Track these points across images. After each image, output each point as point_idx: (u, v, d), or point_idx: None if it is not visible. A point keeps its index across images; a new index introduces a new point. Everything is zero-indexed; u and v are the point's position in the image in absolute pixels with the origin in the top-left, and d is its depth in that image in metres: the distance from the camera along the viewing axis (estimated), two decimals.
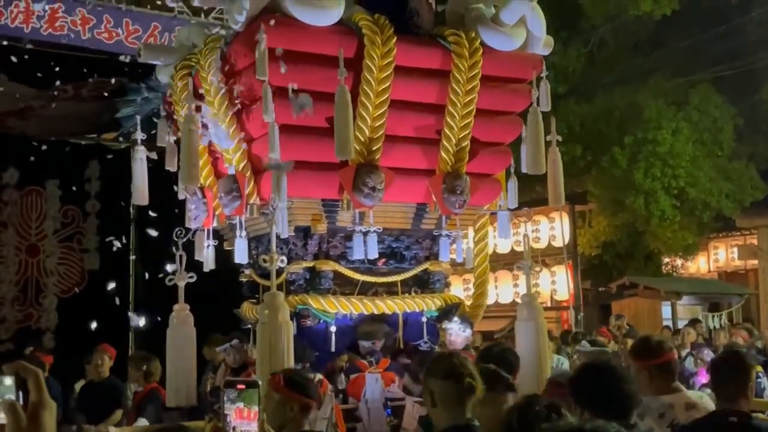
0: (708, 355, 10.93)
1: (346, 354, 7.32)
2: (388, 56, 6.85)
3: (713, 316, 18.53)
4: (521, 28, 7.43)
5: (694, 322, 15.08)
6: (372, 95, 6.85)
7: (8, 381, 1.44)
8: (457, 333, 7.50)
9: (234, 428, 2.83)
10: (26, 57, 10.15)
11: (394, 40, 6.86)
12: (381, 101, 6.90)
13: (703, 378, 9.70)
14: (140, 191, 7.58)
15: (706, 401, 4.29)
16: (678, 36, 19.65)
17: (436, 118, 7.29)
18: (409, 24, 7.14)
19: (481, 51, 7.20)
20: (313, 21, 6.70)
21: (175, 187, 7.88)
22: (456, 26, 7.30)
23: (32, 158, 11.22)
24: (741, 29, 19.28)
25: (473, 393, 3.23)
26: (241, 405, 2.84)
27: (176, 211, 8.09)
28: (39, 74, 10.81)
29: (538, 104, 7.18)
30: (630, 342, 9.63)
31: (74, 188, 13.13)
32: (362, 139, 6.89)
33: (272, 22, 6.47)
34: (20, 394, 1.43)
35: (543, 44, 7.67)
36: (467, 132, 7.34)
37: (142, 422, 7.33)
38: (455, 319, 7.59)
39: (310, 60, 6.78)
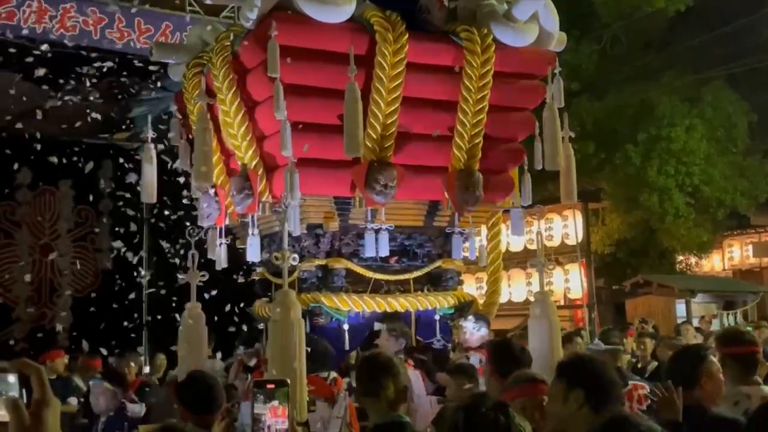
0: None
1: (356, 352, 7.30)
2: (400, 53, 6.82)
3: (728, 314, 18.41)
4: (534, 24, 7.39)
5: (704, 321, 15.03)
6: (384, 92, 6.82)
7: (11, 378, 1.42)
8: (471, 331, 7.46)
9: (269, 427, 2.83)
10: (38, 57, 10.14)
11: (406, 36, 6.84)
12: (393, 98, 6.88)
13: None
14: (149, 189, 7.56)
15: None
16: (690, 33, 19.53)
17: (449, 115, 7.26)
18: (420, 20, 7.11)
19: (494, 47, 7.16)
20: (325, 18, 6.69)
21: (187, 187, 7.88)
22: (468, 22, 7.27)
23: (45, 158, 11.24)
24: (753, 26, 19.15)
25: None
26: (276, 403, 2.85)
27: (188, 209, 8.09)
28: (51, 74, 10.82)
29: (552, 100, 7.13)
30: (648, 341, 9.54)
31: (87, 188, 13.17)
32: (374, 137, 6.86)
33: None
34: (23, 391, 1.42)
35: (556, 40, 7.63)
36: (480, 129, 7.30)
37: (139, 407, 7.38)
38: (470, 317, 7.55)
39: (321, 57, 6.76)
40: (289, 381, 2.94)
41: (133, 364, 8.18)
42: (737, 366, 4.32)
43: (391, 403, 3.33)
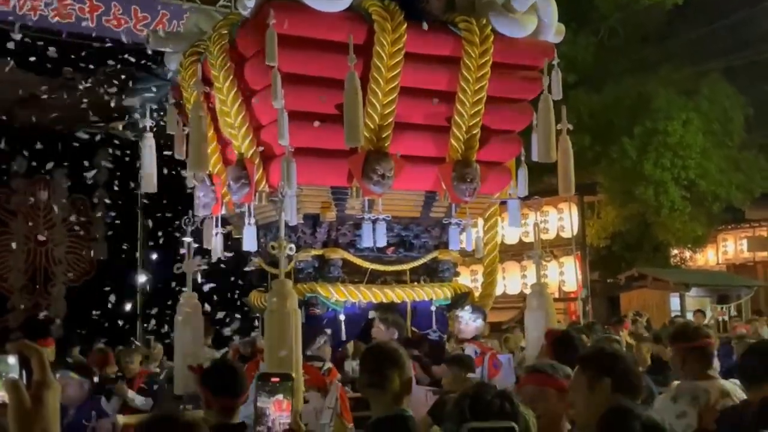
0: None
1: (353, 342, 7.29)
2: (398, 43, 6.80)
3: (721, 308, 18.46)
4: (532, 15, 7.37)
5: (698, 314, 15.06)
6: (382, 82, 6.80)
7: (11, 360, 1.41)
8: (467, 322, 7.45)
9: (273, 421, 2.82)
10: (34, 45, 10.09)
11: (405, 26, 6.81)
12: (391, 88, 6.86)
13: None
14: (149, 179, 7.55)
15: (738, 391, 4.27)
16: (688, 26, 19.51)
17: (447, 105, 7.24)
18: (419, 10, 7.08)
19: (492, 38, 7.14)
20: (323, 7, 6.66)
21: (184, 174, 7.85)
22: (467, 13, 7.25)
23: (40, 147, 11.19)
24: (751, 19, 19.15)
25: (381, 389, 3.24)
26: (280, 397, 2.84)
27: (185, 199, 8.06)
28: (47, 63, 10.77)
29: (549, 92, 7.11)
30: (645, 349, 9.48)
31: (82, 177, 13.12)
32: (372, 127, 6.84)
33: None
34: (23, 373, 1.40)
35: (554, 32, 7.61)
36: (478, 120, 7.29)
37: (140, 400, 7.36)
38: (467, 307, 7.54)
39: (319, 46, 6.73)
40: (294, 375, 2.93)
41: (138, 355, 8.11)
42: (693, 360, 4.29)
43: (396, 396, 3.30)
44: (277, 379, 2.86)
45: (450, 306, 7.67)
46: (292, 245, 6.22)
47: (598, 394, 3.05)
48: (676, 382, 4.46)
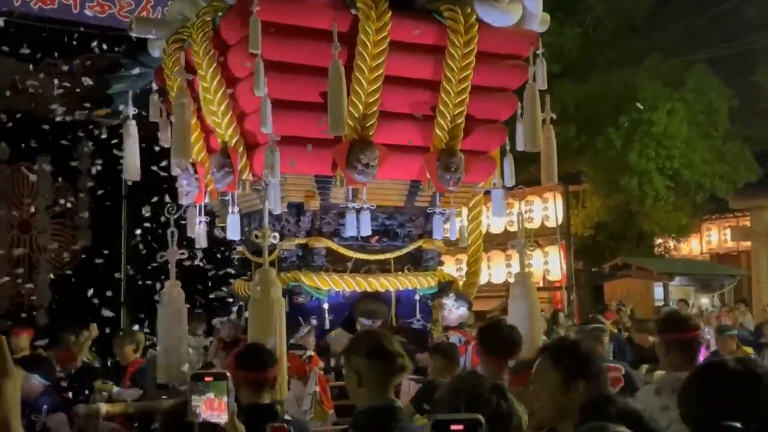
0: (708, 332, 10.93)
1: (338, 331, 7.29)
2: (383, 31, 6.79)
3: (713, 297, 18.59)
4: (517, 4, 7.36)
5: (681, 303, 15.14)
6: (366, 71, 6.79)
7: None
8: (449, 309, 7.46)
9: (203, 420, 2.83)
10: (17, 32, 10.01)
11: (389, 14, 6.79)
12: (375, 77, 6.84)
13: (701, 356, 9.66)
14: (131, 167, 7.49)
15: None
16: (674, 16, 19.55)
17: (431, 94, 7.24)
18: None
19: (477, 26, 7.14)
20: None
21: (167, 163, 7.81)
22: (452, 1, 7.23)
23: (23, 134, 11.11)
24: (737, 10, 19.19)
25: (402, 373, 3.19)
26: (211, 395, 2.85)
27: (167, 186, 8.02)
28: (30, 49, 10.69)
29: (534, 81, 7.11)
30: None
31: (66, 165, 13.05)
32: (356, 115, 6.83)
33: None
34: None
35: (539, 21, 7.60)
36: (462, 109, 7.29)
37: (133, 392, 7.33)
38: (451, 295, 7.55)
39: (303, 34, 6.71)
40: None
41: (130, 345, 8.05)
42: (678, 351, 4.24)
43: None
44: (210, 378, 2.88)
45: (434, 294, 7.67)
46: (276, 234, 6.22)
47: (572, 396, 3.00)
48: (659, 373, 4.43)
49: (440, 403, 2.56)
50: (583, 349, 3.25)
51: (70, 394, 7.06)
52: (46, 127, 11.27)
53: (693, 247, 23.87)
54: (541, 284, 17.94)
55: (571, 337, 5.73)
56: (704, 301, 18.74)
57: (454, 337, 7.00)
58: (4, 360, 1.37)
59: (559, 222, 17.41)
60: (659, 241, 21.76)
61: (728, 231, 23.03)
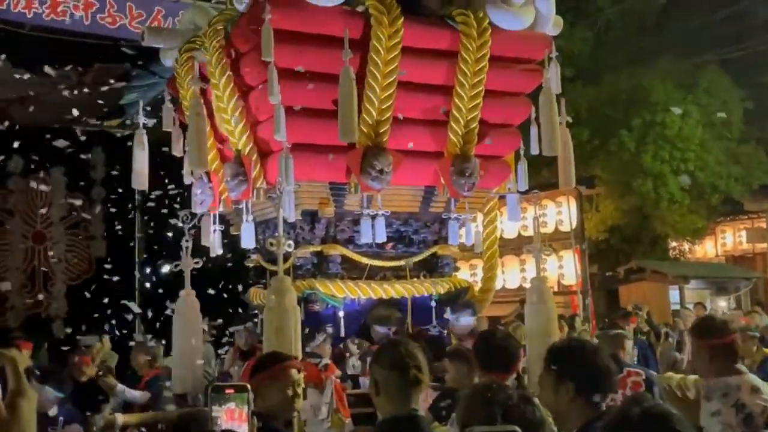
0: None
1: (352, 339, 7.26)
2: (395, 37, 6.76)
3: (722, 300, 18.48)
4: (530, 8, 7.33)
5: (698, 306, 15.03)
6: (379, 77, 6.76)
7: None
8: (452, 323, 7.44)
9: (223, 429, 2.88)
10: (29, 44, 10.05)
11: (401, 20, 6.77)
12: (388, 83, 6.82)
13: None
14: (140, 176, 7.47)
15: (764, 385, 4.22)
16: (685, 18, 19.48)
17: (445, 99, 7.20)
18: (416, 4, 7.04)
19: (490, 31, 7.10)
20: (319, 1, 6.61)
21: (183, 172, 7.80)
22: (464, 6, 7.21)
23: (36, 146, 11.15)
24: (749, 11, 19.12)
25: (418, 385, 3.16)
26: (232, 406, 2.89)
27: (183, 195, 8.01)
28: (42, 61, 10.72)
29: (548, 84, 7.07)
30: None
31: (79, 175, 13.09)
32: (370, 122, 6.80)
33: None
34: None
35: (552, 24, 7.57)
36: (476, 113, 7.25)
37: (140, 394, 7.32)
38: (448, 308, 7.51)
39: (316, 41, 6.69)
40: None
41: (144, 355, 8.03)
42: (721, 356, 4.18)
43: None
44: (231, 391, 2.93)
45: (442, 301, 7.60)
46: (291, 242, 6.19)
47: (562, 395, 2.99)
48: (690, 378, 4.38)
49: (472, 414, 2.52)
50: (575, 350, 3.20)
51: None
52: (59, 138, 11.30)
53: (708, 249, 23.75)
54: (555, 289, 17.86)
55: (570, 339, 5.66)
56: (721, 304, 18.61)
57: (469, 344, 6.96)
58: (18, 379, 1.38)
59: (573, 226, 17.31)
60: (674, 244, 21.69)
61: (743, 233, 22.92)
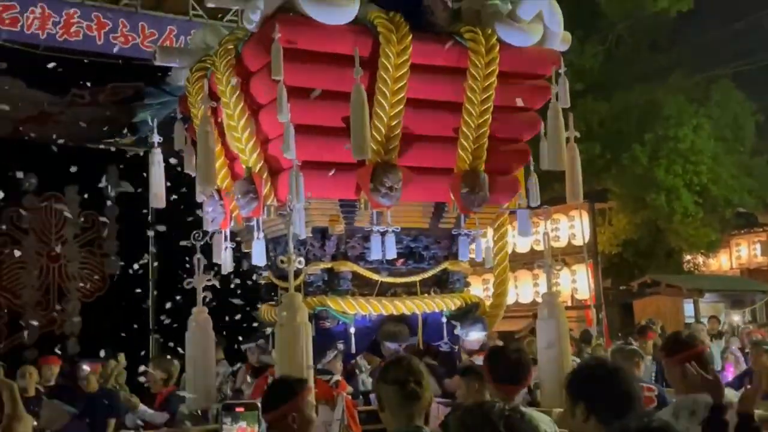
0: (736, 351, 10.76)
1: (363, 354, 7.28)
2: (404, 54, 6.80)
3: (737, 314, 18.38)
4: (538, 24, 7.36)
5: (713, 319, 14.97)
6: (388, 94, 6.80)
7: None
8: (463, 338, 7.44)
9: None
10: (43, 63, 10.16)
11: (410, 37, 6.81)
12: (397, 100, 6.86)
13: (730, 374, 9.54)
14: (157, 195, 7.56)
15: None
16: (696, 32, 19.51)
17: (454, 116, 7.23)
18: (424, 21, 7.08)
19: (498, 47, 7.13)
20: (328, 20, 6.66)
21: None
22: (472, 23, 7.24)
23: (50, 164, 11.25)
24: (759, 25, 19.11)
25: (418, 400, 3.17)
26: (243, 425, 2.94)
27: (195, 213, 8.07)
28: (56, 80, 10.83)
29: (557, 100, 7.09)
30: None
31: (93, 193, 13.18)
32: (379, 139, 6.84)
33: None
34: None
35: (561, 40, 7.60)
36: (485, 129, 7.27)
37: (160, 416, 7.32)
38: (458, 324, 7.52)
39: (325, 59, 6.74)
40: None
41: (161, 372, 8.04)
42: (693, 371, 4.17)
43: (419, 411, 3.28)
44: (242, 409, 2.97)
45: (454, 316, 7.61)
46: (302, 259, 6.23)
47: (577, 417, 3.01)
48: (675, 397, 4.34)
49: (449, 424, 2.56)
50: (589, 372, 3.20)
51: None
52: (72, 156, 11.41)
53: (723, 262, 23.67)
54: (569, 303, 17.84)
55: (588, 360, 5.65)
56: (736, 318, 18.51)
57: (480, 360, 6.96)
58: (15, 405, 1.42)
59: (586, 240, 17.29)
60: (688, 257, 21.61)
61: (758, 245, 22.83)
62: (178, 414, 7.10)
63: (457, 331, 7.50)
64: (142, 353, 10.88)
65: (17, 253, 12.30)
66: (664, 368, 4.32)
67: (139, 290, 12.52)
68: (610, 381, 3.08)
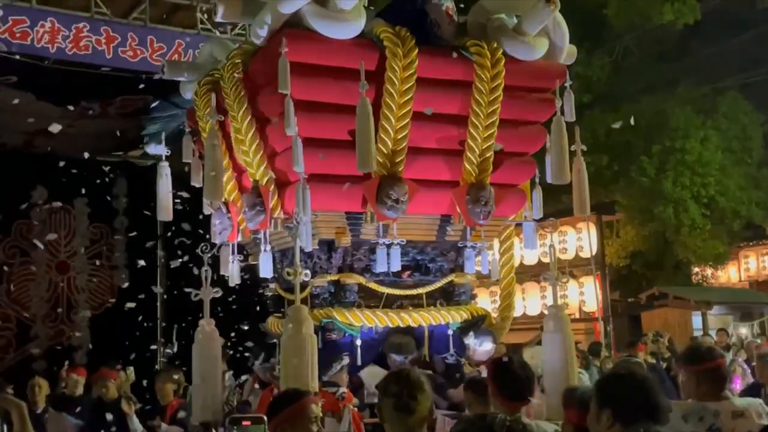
0: (743, 363, 10.74)
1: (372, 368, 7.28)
2: (410, 68, 6.84)
3: (745, 327, 18.32)
4: (543, 38, 7.40)
5: (721, 332, 14.94)
6: (394, 107, 6.84)
7: None
8: (474, 348, 7.45)
9: None
10: (52, 76, 10.25)
11: (416, 52, 6.86)
12: (403, 113, 6.90)
13: (737, 385, 9.52)
14: (164, 207, 7.61)
15: (753, 409, 4.25)
16: (703, 44, 19.51)
17: (460, 129, 7.27)
18: (430, 36, 7.13)
19: (504, 61, 7.17)
20: (335, 34, 6.72)
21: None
22: (478, 37, 7.29)
23: (60, 176, 11.33)
24: (766, 36, 19.10)
25: (411, 413, 3.19)
26: None
27: (202, 228, 8.11)
28: (65, 94, 10.91)
29: (562, 113, 7.12)
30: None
31: (102, 205, 13.26)
32: (385, 152, 6.88)
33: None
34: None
35: (566, 54, 7.63)
36: (491, 143, 7.30)
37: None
38: (470, 333, 7.53)
39: (332, 73, 6.79)
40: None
41: (170, 384, 8.06)
42: (705, 382, 4.26)
43: (421, 422, 3.31)
44: (248, 423, 2.98)
45: (462, 329, 7.64)
46: (308, 271, 6.25)
47: (603, 423, 3.07)
48: (690, 401, 4.44)
49: None
50: (616, 379, 3.28)
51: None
52: (82, 168, 11.49)
53: (731, 274, 23.61)
54: (577, 315, 17.82)
55: (616, 368, 5.67)
56: (743, 330, 18.46)
57: (485, 372, 6.96)
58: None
59: (594, 252, 17.29)
60: (696, 269, 21.55)
61: (767, 258, 22.76)
62: (190, 427, 7.14)
63: (470, 341, 7.49)
64: (150, 365, 10.94)
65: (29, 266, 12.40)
66: (682, 376, 4.48)
67: (147, 302, 12.56)
68: (639, 390, 3.15)
